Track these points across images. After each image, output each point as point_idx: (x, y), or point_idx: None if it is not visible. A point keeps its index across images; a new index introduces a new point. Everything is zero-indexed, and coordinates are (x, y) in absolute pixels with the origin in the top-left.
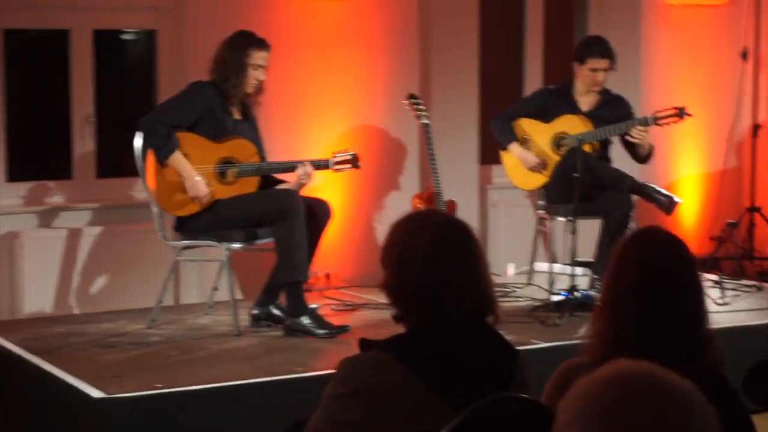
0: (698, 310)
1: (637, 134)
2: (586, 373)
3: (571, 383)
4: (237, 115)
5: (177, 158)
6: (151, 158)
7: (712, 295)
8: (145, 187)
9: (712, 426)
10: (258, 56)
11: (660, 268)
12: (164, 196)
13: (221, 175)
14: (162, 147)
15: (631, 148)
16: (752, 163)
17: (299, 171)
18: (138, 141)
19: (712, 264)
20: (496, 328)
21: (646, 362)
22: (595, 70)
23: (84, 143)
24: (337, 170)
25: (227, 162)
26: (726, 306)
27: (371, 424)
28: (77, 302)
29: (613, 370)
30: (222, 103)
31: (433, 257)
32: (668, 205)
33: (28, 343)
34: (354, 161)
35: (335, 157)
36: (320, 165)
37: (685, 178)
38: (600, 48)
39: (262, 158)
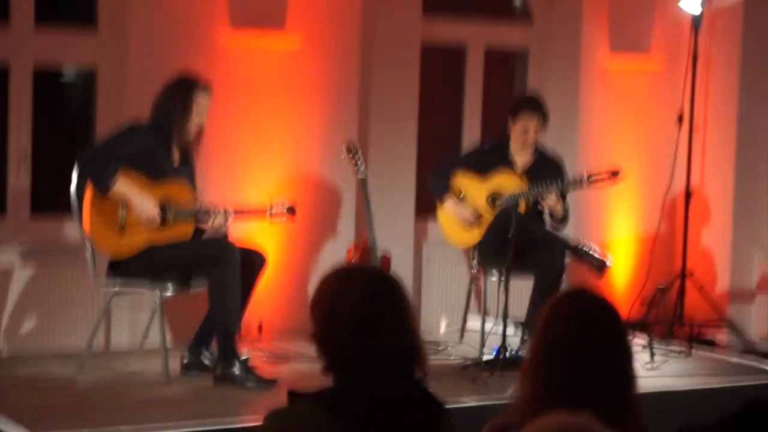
0: (626, 373)
1: (549, 204)
2: None
3: None
4: (176, 159)
5: (121, 184)
6: (87, 197)
7: (641, 359)
8: (79, 228)
9: None
10: (202, 99)
11: (589, 328)
12: (99, 236)
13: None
14: (102, 176)
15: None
16: (685, 227)
17: (216, 221)
18: (74, 178)
19: (642, 327)
20: (423, 382)
21: (585, 416)
22: (526, 127)
23: (19, 181)
24: (273, 221)
25: (164, 205)
26: (655, 370)
27: None
28: (5, 343)
29: (554, 423)
30: (161, 145)
31: (361, 311)
32: (600, 267)
33: None
34: (290, 211)
35: (272, 207)
36: (256, 212)
37: (618, 240)
38: (531, 106)
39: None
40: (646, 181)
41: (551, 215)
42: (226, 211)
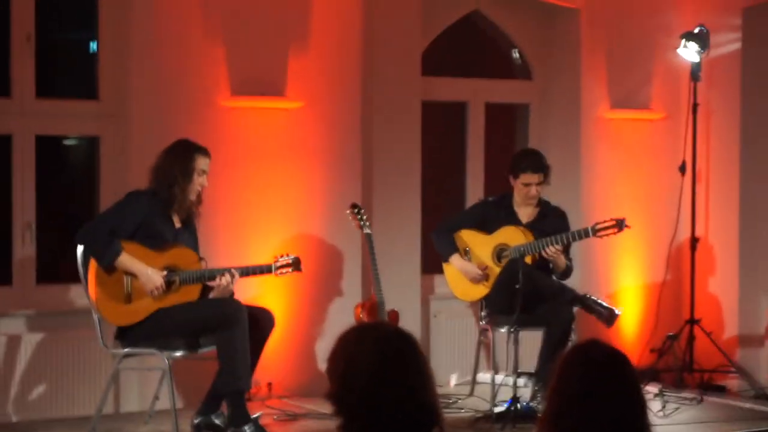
0: (641, 423)
1: (551, 253)
2: None
3: None
4: (177, 223)
5: (124, 259)
6: (92, 268)
7: (652, 407)
8: (87, 296)
9: None
10: (202, 162)
11: (602, 383)
12: (106, 306)
13: (165, 284)
14: (104, 253)
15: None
16: (691, 275)
17: (223, 280)
18: (80, 250)
19: (652, 376)
20: None
21: None
22: (527, 184)
23: (24, 249)
24: (279, 274)
25: (170, 270)
26: (667, 418)
27: None
28: (15, 410)
29: None
30: (162, 212)
31: (378, 369)
32: (608, 317)
33: None
34: (296, 264)
35: (277, 261)
36: (263, 270)
37: (626, 289)
38: (531, 162)
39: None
40: (651, 230)
41: (553, 268)
42: (231, 271)
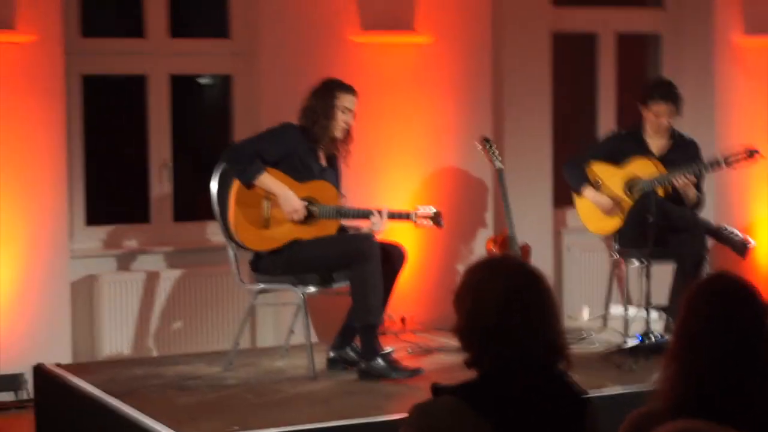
0: None
1: (682, 184)
2: (656, 423)
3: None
4: (323, 161)
5: (266, 178)
6: (233, 190)
7: None
8: (222, 228)
9: None
10: (346, 99)
11: (729, 315)
12: (243, 230)
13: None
14: (247, 169)
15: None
16: None
17: (373, 219)
18: (215, 177)
19: None
20: (567, 375)
21: (701, 424)
22: (658, 113)
23: (161, 187)
24: (418, 225)
25: (309, 201)
26: None
27: None
28: (155, 344)
29: None
30: (309, 148)
31: (505, 305)
32: (742, 248)
33: (106, 385)
34: (436, 218)
35: (418, 211)
36: (402, 216)
37: (761, 219)
38: (662, 91)
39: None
40: None
41: (685, 200)
42: (380, 212)
